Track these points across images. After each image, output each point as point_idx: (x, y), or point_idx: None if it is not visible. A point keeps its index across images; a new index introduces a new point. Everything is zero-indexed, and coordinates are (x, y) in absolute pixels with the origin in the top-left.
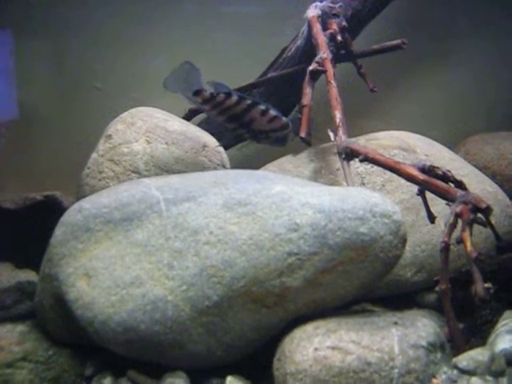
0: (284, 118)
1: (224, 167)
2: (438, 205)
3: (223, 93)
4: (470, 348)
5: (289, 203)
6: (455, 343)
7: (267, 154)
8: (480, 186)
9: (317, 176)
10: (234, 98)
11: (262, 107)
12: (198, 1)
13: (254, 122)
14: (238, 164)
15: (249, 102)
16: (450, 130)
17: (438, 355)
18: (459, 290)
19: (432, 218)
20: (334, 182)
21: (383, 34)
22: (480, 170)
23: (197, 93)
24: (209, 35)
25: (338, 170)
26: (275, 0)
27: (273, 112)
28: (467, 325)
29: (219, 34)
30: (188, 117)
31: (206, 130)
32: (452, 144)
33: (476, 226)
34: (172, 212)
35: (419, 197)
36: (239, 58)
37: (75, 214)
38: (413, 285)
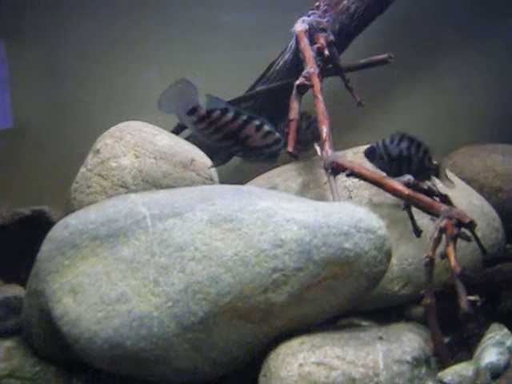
0: (277, 133)
1: (212, 181)
2: (424, 218)
3: (219, 109)
4: (456, 362)
5: (274, 219)
6: (440, 357)
7: (256, 166)
8: (466, 199)
9: (304, 190)
10: (230, 114)
11: (257, 122)
12: (189, 16)
13: (249, 138)
14: (226, 178)
15: (244, 117)
16: (438, 142)
17: (423, 370)
18: (446, 303)
19: (418, 232)
20: (321, 196)
21: (371, 46)
22: (467, 182)
23: (192, 110)
24: (199, 49)
25: (325, 183)
26: (263, 13)
27: (267, 127)
28: (454, 338)
29: (209, 49)
30: (177, 131)
31: (195, 144)
32: (439, 156)
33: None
34: (158, 228)
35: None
36: (228, 72)
37: (61, 229)
38: (400, 298)
